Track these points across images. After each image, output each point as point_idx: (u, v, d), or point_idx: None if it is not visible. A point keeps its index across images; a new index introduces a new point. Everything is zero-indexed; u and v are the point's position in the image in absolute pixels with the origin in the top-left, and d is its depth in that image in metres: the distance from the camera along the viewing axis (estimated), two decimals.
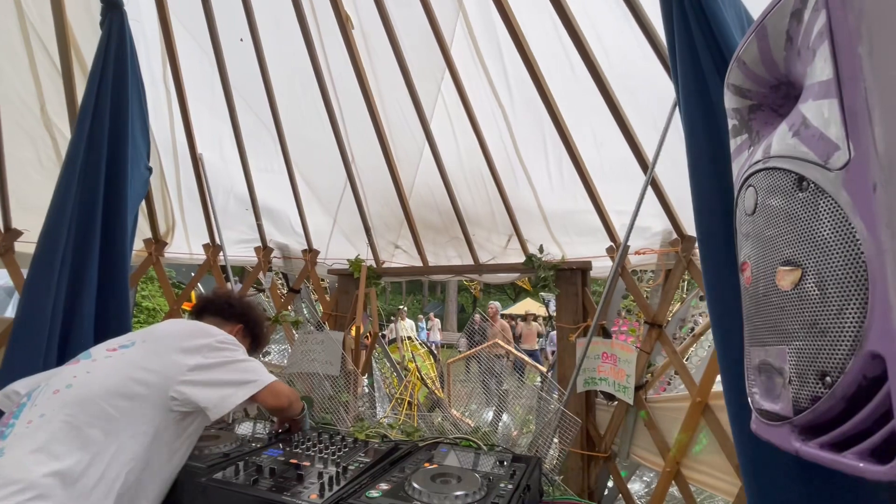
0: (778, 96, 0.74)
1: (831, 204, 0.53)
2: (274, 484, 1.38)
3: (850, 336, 0.50)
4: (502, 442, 2.07)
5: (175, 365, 1.27)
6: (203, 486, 1.39)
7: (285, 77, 2.49)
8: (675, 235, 2.34)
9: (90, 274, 1.84)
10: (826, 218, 0.54)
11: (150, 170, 2.35)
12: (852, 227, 0.50)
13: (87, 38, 2.12)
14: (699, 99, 1.28)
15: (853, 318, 0.50)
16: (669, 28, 1.40)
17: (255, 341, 1.74)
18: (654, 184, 2.17)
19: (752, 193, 0.70)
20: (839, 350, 0.51)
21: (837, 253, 0.52)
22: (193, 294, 4.34)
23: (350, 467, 1.50)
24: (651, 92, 1.96)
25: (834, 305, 0.52)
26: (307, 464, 1.53)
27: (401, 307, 8.83)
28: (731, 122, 0.88)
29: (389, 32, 2.19)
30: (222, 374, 1.32)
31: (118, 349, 1.32)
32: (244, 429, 2.11)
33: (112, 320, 1.95)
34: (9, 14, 1.99)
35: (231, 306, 1.66)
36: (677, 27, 1.35)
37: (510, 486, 1.39)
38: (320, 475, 1.44)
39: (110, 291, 1.95)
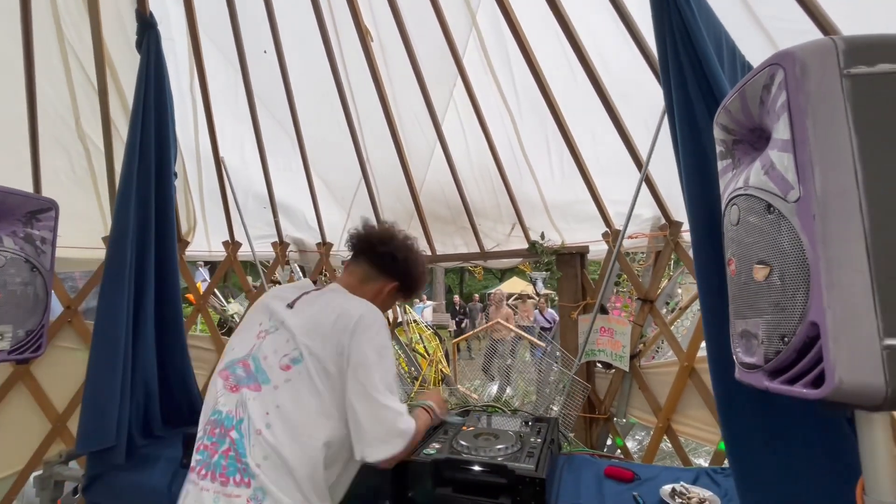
0: (754, 136, 1.01)
1: (789, 225, 0.80)
2: None
3: (799, 311, 0.78)
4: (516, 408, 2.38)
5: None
6: None
7: (306, 85, 2.66)
8: (663, 221, 2.64)
9: (149, 273, 2.05)
10: (785, 234, 0.81)
11: (175, 175, 2.52)
12: (801, 242, 0.77)
13: (123, 55, 2.26)
14: (687, 117, 1.53)
15: (801, 300, 0.77)
16: (662, 52, 1.64)
17: (406, 296, 1.53)
18: (645, 177, 2.45)
19: (735, 210, 0.97)
20: (792, 320, 0.79)
21: (792, 257, 0.79)
22: (199, 286, 4.51)
23: None
24: (643, 97, 2.22)
25: (790, 292, 0.80)
26: None
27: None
28: (718, 149, 1.15)
29: (406, 44, 2.38)
30: (368, 420, 1.15)
31: (291, 366, 1.16)
32: None
33: (167, 313, 2.17)
34: (49, 35, 2.12)
35: (395, 261, 1.40)
36: (670, 52, 1.59)
37: (539, 440, 1.69)
38: None
39: (165, 287, 2.16)
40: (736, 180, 1.01)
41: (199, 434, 1.18)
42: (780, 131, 0.84)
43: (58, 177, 2.60)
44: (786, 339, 0.81)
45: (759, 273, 0.88)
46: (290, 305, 1.27)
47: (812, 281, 0.75)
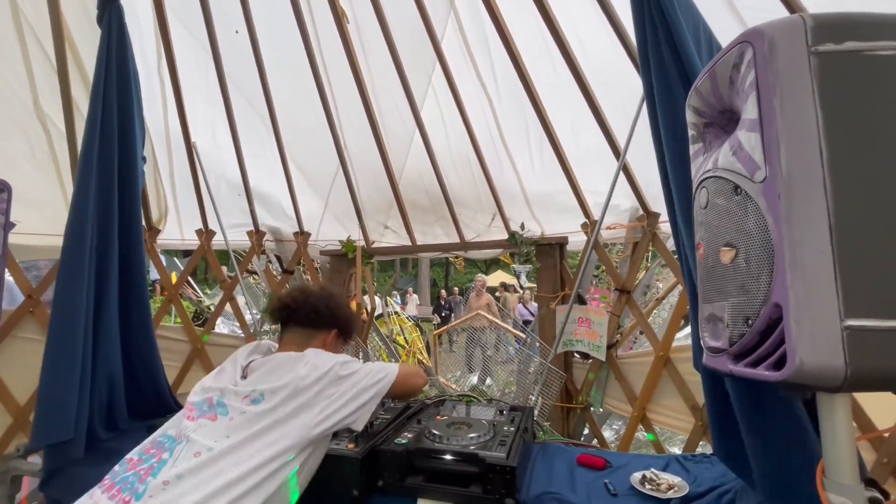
0: (724, 118, 0.99)
1: (754, 206, 0.79)
2: None
3: (763, 293, 0.77)
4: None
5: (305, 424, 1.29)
6: None
7: (280, 67, 2.57)
8: (641, 212, 2.64)
9: (113, 261, 1.97)
10: (751, 215, 0.80)
11: (144, 159, 2.43)
12: (766, 222, 0.76)
13: (83, 31, 2.15)
14: (668, 102, 1.52)
15: (765, 281, 0.76)
16: (641, 38, 1.62)
17: (347, 337, 1.67)
18: (623, 167, 2.45)
19: (704, 193, 0.96)
20: (756, 302, 0.78)
21: (757, 239, 0.78)
22: (175, 275, 4.39)
23: (375, 422, 1.74)
24: (622, 86, 2.20)
25: (754, 273, 0.79)
26: None
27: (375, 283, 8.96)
28: (690, 133, 1.14)
29: (384, 28, 2.32)
30: (355, 401, 1.39)
31: (251, 405, 1.24)
32: None
33: (133, 303, 2.10)
34: (3, 11, 2.00)
35: (319, 314, 1.51)
36: (649, 38, 1.57)
37: (512, 429, 1.68)
38: (351, 430, 1.67)
39: (130, 276, 2.08)
40: (706, 163, 1.00)
41: (136, 450, 1.20)
42: (749, 111, 0.83)
43: (16, 161, 2.48)
44: (750, 321, 0.80)
45: (726, 256, 0.87)
46: (244, 376, 1.36)
47: (776, 262, 0.74)
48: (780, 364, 0.73)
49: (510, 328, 3.45)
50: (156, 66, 2.50)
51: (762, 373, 0.77)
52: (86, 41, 2.16)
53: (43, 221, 2.71)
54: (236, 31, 2.39)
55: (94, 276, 1.87)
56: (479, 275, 7.11)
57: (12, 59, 2.16)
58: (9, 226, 1.83)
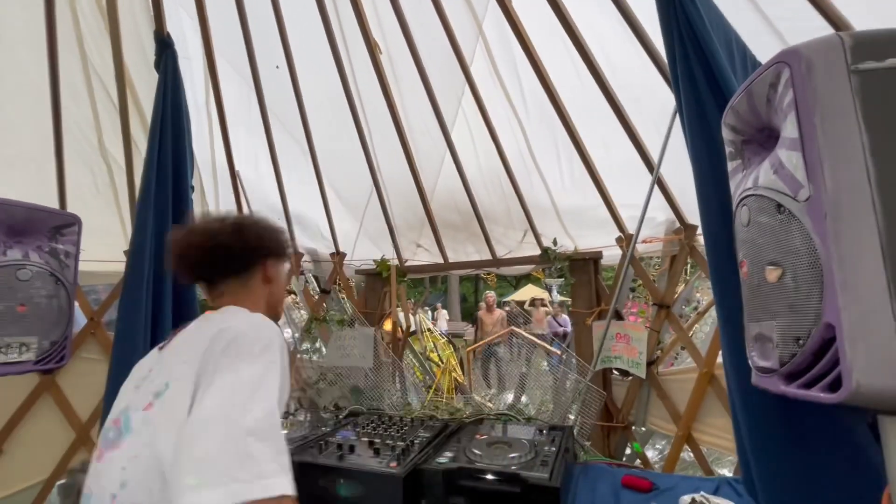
0: (762, 136, 0.99)
1: (799, 225, 0.78)
2: (357, 457, 1.65)
3: (813, 312, 0.76)
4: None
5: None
6: (295, 465, 1.65)
7: (317, 98, 2.71)
8: (677, 224, 2.59)
9: (167, 284, 2.10)
10: (796, 234, 0.79)
11: (192, 188, 2.59)
12: (813, 241, 0.76)
13: (142, 74, 2.34)
14: (698, 117, 1.51)
15: (815, 300, 0.75)
16: (670, 54, 1.62)
17: (280, 255, 1.22)
18: (658, 180, 2.42)
19: (746, 211, 0.96)
20: (807, 322, 0.77)
21: (804, 258, 0.78)
22: None
23: (415, 441, 1.77)
24: (653, 100, 2.20)
25: (803, 293, 0.78)
26: (378, 440, 1.79)
27: (411, 300, 9.02)
28: (727, 149, 1.13)
29: (414, 56, 2.41)
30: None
31: (153, 403, 0.89)
32: (300, 416, 2.40)
33: (185, 319, 2.22)
34: (73, 56, 2.21)
35: (232, 251, 1.08)
36: (678, 53, 1.57)
37: (553, 449, 1.67)
38: (393, 448, 1.70)
39: (182, 297, 2.21)
40: (746, 181, 0.99)
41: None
42: (788, 130, 0.83)
43: (81, 192, 2.69)
44: (801, 341, 0.78)
45: (772, 275, 0.86)
46: (161, 347, 1.06)
47: (826, 281, 0.73)
48: (835, 386, 0.72)
49: (544, 344, 3.42)
50: (204, 102, 2.69)
51: (817, 394, 0.75)
52: (144, 84, 2.36)
53: (103, 248, 2.91)
54: (277, 67, 2.55)
55: (151, 299, 2.00)
56: (488, 291, 7.09)
57: (81, 101, 2.38)
58: (79, 256, 1.98)
